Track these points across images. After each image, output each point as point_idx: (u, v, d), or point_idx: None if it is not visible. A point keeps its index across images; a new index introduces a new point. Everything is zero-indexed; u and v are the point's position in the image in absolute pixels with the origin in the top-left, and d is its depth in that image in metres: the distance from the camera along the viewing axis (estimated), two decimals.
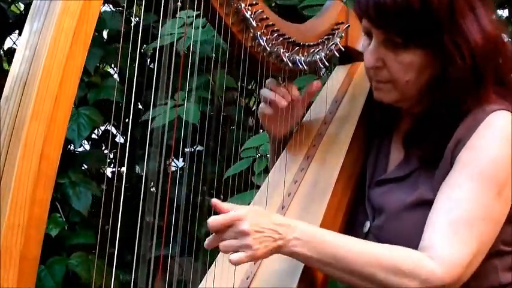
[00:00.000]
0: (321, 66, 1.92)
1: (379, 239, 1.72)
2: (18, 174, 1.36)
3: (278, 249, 1.60)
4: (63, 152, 1.41)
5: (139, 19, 3.90)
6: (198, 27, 2.34)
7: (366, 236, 1.77)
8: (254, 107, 3.75)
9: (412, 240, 1.65)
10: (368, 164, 1.85)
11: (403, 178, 1.75)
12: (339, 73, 2.03)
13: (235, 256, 1.57)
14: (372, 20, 1.69)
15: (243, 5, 1.77)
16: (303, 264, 1.66)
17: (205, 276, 1.76)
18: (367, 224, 1.78)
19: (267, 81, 1.89)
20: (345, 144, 1.86)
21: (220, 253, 1.73)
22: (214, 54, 1.85)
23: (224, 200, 1.57)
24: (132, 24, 4.01)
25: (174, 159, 3.51)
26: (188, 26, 2.87)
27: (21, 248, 1.37)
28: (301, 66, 1.88)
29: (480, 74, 1.66)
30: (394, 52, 1.69)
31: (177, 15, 2.86)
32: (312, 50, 1.90)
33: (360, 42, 1.98)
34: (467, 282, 1.65)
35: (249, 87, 3.58)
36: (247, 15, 1.78)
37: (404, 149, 1.78)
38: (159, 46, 2.75)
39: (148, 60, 3.95)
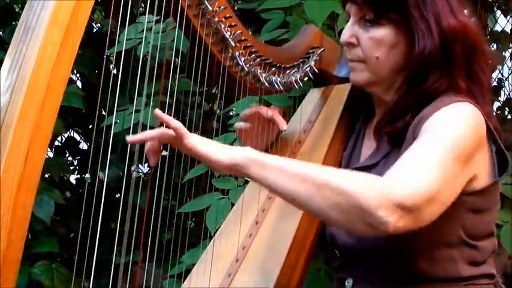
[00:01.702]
0: (296, 87, 1.99)
1: None
2: (3, 177, 1.40)
3: (221, 149, 1.62)
4: None
5: (101, 25, 3.96)
6: (158, 32, 2.35)
7: None
8: (218, 111, 3.82)
9: None
10: (343, 157, 1.91)
11: (375, 165, 1.79)
12: (313, 95, 2.10)
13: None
14: None
15: (222, 25, 1.85)
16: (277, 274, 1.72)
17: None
18: None
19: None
20: (318, 163, 1.92)
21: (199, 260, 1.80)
22: (176, 59, 1.89)
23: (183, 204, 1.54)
24: (94, 30, 4.04)
25: (139, 165, 3.51)
26: (148, 30, 2.91)
27: (4, 250, 1.41)
28: (277, 87, 1.95)
29: (449, 57, 1.71)
30: (367, 29, 1.77)
31: (138, 20, 2.89)
32: (288, 71, 1.98)
33: (335, 67, 2.07)
34: (425, 270, 1.66)
35: (212, 91, 3.62)
36: (227, 35, 1.86)
37: (376, 140, 1.83)
38: (120, 51, 2.77)
39: (111, 65, 3.97)
